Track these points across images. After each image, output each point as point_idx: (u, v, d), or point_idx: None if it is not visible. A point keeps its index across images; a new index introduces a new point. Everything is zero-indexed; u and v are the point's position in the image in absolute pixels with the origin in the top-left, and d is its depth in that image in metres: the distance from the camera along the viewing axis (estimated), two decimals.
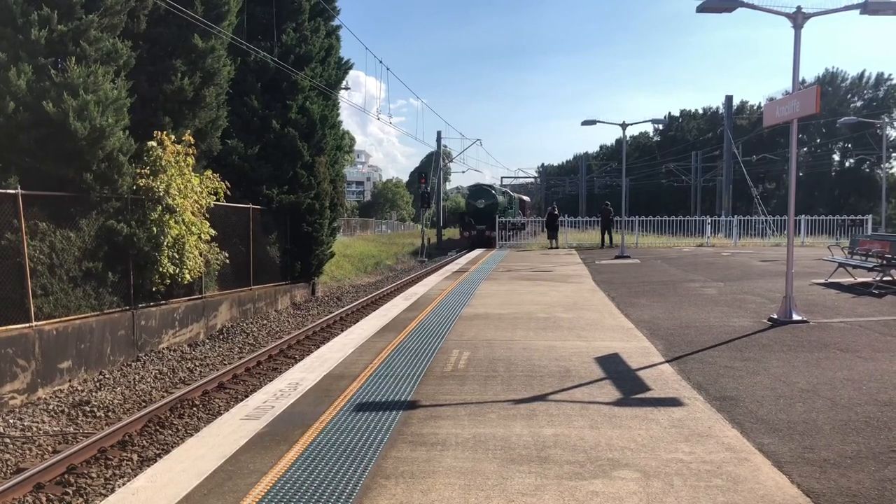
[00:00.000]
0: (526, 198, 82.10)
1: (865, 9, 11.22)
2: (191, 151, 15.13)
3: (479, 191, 52.27)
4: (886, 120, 50.16)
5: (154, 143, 14.38)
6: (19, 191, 11.40)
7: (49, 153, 12.27)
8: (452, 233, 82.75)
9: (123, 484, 7.26)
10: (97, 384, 12.17)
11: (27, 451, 9.00)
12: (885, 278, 15.17)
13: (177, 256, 14.75)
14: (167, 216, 14.45)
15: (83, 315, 12.69)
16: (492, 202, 48.97)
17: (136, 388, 12.12)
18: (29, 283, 11.44)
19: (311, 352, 11.41)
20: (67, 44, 12.38)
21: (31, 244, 11.78)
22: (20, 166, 11.99)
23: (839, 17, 11.54)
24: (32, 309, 11.47)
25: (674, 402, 6.96)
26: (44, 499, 7.68)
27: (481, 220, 41.94)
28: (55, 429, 9.90)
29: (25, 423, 9.91)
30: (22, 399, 10.82)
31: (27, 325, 11.31)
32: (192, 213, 15.17)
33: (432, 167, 61.03)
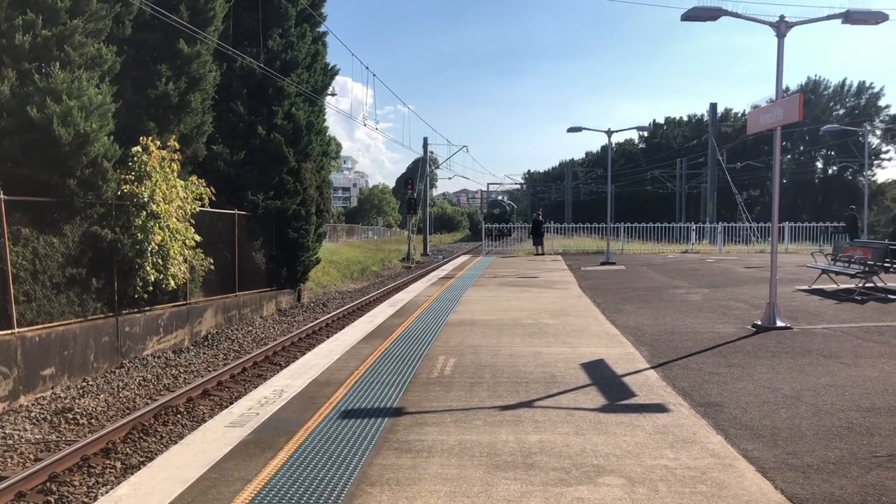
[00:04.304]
0: (514, 205, 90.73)
1: (847, 18, 11.35)
2: (176, 157, 15.05)
3: (494, 202, 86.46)
4: (868, 128, 50.60)
5: (139, 149, 14.30)
6: (2, 196, 11.30)
7: (33, 159, 12.18)
8: (439, 239, 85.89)
9: (106, 492, 7.19)
10: (80, 391, 12.06)
11: (8, 460, 8.90)
12: (867, 284, 15.31)
13: (161, 263, 14.66)
14: (151, 222, 14.36)
15: (66, 321, 12.59)
16: (502, 210, 77.06)
17: (120, 395, 12.03)
18: (11, 289, 11.34)
19: (297, 358, 11.36)
20: (52, 49, 12.30)
21: (14, 250, 11.67)
22: (3, 172, 11.89)
23: (821, 25, 11.67)
24: (15, 315, 11.36)
25: (659, 409, 6.98)
26: None
27: (495, 222, 54.62)
28: (37, 436, 9.80)
29: (7, 431, 9.80)
30: (3, 406, 10.70)
31: (9, 331, 11.20)
32: (177, 219, 15.08)
33: (419, 173, 61.09)
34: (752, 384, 7.90)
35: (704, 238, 37.35)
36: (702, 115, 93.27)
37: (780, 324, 11.37)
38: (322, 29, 24.78)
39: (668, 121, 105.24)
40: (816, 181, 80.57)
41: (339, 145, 77.81)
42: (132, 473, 6.99)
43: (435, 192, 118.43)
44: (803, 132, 75.76)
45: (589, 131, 28.76)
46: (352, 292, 29.54)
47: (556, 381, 8.13)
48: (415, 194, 53.87)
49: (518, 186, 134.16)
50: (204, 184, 16.14)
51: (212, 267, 17.12)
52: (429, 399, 7.40)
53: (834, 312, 13.00)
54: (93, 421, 10.63)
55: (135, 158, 14.30)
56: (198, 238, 15.95)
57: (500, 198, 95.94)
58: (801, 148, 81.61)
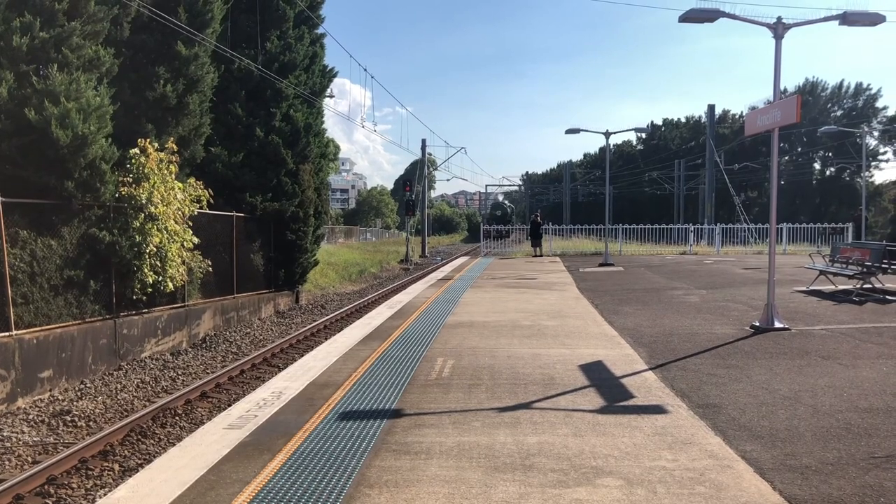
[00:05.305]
0: (513, 207, 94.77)
1: (845, 20, 11.37)
2: (174, 159, 15.04)
3: (497, 205, 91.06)
4: (866, 129, 50.65)
5: (137, 151, 14.29)
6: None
7: (31, 161, 12.17)
8: (437, 241, 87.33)
9: (105, 494, 7.19)
10: (78, 393, 12.04)
11: (6, 462, 8.89)
12: (865, 286, 15.32)
13: (159, 265, 14.64)
14: (149, 224, 14.34)
15: (64, 324, 12.57)
16: (504, 213, 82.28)
17: (118, 397, 12.01)
18: (9, 291, 11.32)
19: (295, 360, 11.35)
20: (49, 51, 12.28)
21: (12, 252, 11.65)
22: (1, 173, 11.88)
23: (819, 27, 11.69)
24: (12, 318, 11.35)
25: (657, 410, 6.99)
26: None
27: (497, 224, 60.23)
28: (35, 439, 9.78)
29: (4, 434, 9.78)
30: (1, 409, 10.68)
31: (7, 333, 11.18)
32: (175, 221, 15.06)
33: (417, 175, 61.11)
34: (750, 385, 7.90)
35: (702, 239, 37.36)
36: (700, 117, 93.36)
37: (778, 325, 11.38)
38: (320, 31, 24.80)
39: (666, 122, 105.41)
40: (814, 182, 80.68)
41: (337, 147, 77.82)
42: (130, 476, 6.97)
43: (433, 194, 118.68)
44: (801, 133, 75.89)
45: (587, 133, 28.95)
46: (350, 294, 29.53)
47: (554, 382, 8.14)
48: (413, 196, 53.90)
49: (516, 188, 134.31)
50: (202, 186, 16.13)
51: (210, 269, 17.11)
52: (427, 401, 7.40)
53: (832, 313, 13.01)
54: (91, 423, 10.61)
55: (133, 160, 14.29)
56: (196, 240, 15.94)
57: (500, 199, 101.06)
58: (799, 149, 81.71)
